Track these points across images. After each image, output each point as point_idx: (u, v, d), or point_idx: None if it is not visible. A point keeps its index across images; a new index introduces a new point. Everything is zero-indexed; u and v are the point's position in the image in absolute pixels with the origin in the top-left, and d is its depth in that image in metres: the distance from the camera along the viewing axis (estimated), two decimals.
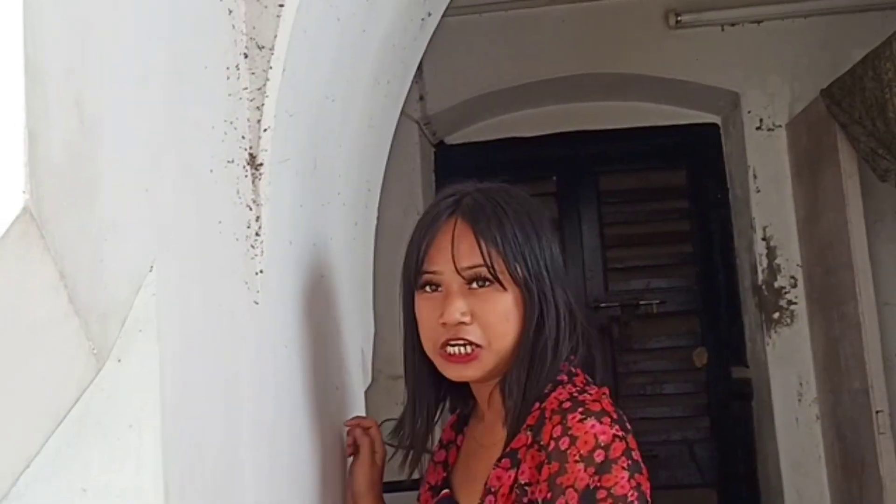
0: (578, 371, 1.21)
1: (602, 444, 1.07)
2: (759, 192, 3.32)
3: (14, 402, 0.67)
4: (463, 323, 1.16)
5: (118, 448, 0.77)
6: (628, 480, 1.07)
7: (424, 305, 1.20)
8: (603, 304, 3.59)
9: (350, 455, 1.44)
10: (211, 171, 0.98)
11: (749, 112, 3.33)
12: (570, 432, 1.08)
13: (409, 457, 1.31)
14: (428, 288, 1.20)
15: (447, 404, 1.34)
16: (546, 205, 3.68)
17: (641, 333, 3.60)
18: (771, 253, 3.30)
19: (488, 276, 1.16)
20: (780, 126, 3.30)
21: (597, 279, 3.63)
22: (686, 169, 3.62)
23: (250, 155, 1.10)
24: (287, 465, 1.19)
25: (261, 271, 1.11)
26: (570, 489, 1.06)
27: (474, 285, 1.17)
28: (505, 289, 1.16)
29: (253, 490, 1.02)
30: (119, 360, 0.77)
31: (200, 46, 1.00)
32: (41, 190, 0.62)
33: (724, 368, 3.52)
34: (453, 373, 1.19)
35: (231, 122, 1.05)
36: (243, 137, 1.09)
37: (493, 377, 1.21)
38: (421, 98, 3.61)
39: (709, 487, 3.52)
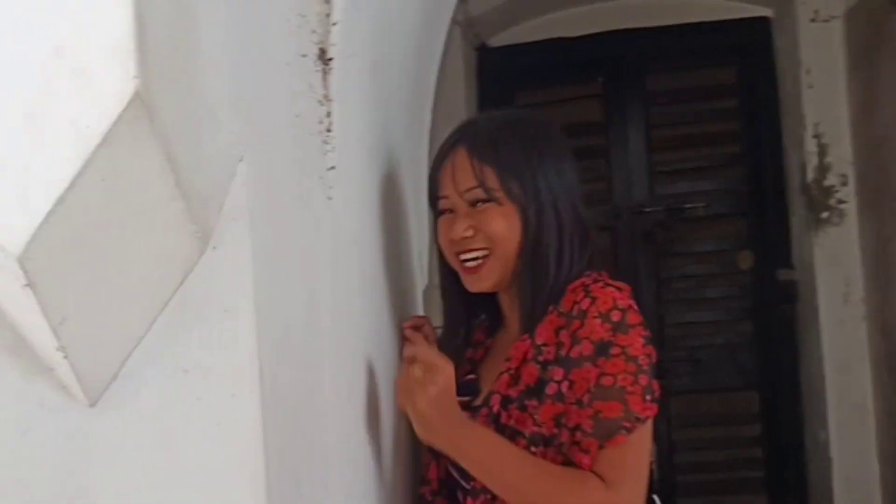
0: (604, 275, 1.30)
1: (620, 307, 1.20)
2: (811, 87, 3.24)
3: (126, 282, 0.70)
4: (467, 237, 1.30)
5: (215, 331, 0.80)
6: (642, 347, 1.19)
7: (441, 227, 1.36)
8: (647, 209, 3.56)
9: None
10: (287, 63, 0.98)
11: (804, 3, 3.23)
12: (590, 294, 1.22)
13: None
14: (445, 213, 1.35)
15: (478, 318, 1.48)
16: (592, 108, 3.63)
17: (686, 237, 3.58)
18: (822, 151, 3.24)
19: (483, 195, 1.29)
20: (836, 17, 3.18)
21: (642, 183, 3.60)
22: (736, 66, 3.53)
23: (320, 49, 1.10)
24: (358, 350, 1.23)
25: (333, 167, 1.12)
26: (586, 340, 1.18)
27: (478, 205, 1.30)
28: (501, 204, 1.28)
29: (330, 368, 1.06)
30: (214, 248, 0.79)
31: None
32: (148, 75, 0.63)
33: (770, 271, 3.50)
34: (470, 283, 1.33)
35: (303, 16, 1.05)
36: (314, 31, 1.08)
37: (506, 285, 1.33)
38: None
39: (751, 390, 3.55)
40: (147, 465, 0.78)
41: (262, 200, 0.86)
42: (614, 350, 1.17)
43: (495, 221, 1.29)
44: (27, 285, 0.65)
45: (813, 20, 3.22)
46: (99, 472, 0.77)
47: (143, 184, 0.65)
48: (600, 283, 1.24)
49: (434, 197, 1.37)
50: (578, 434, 1.17)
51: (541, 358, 1.24)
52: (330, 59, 1.11)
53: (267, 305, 0.84)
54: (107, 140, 0.63)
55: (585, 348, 1.18)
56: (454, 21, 3.51)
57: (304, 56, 1.05)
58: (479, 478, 1.21)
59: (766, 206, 3.50)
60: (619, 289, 1.23)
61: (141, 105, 0.62)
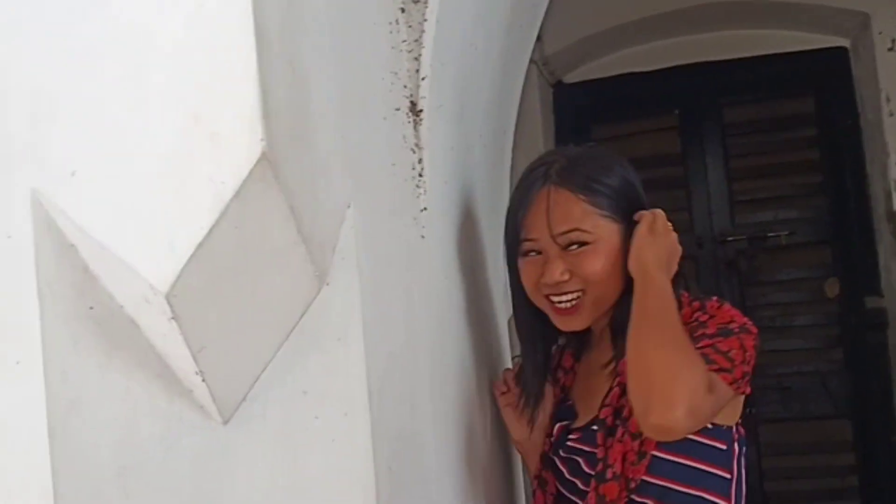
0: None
1: (737, 321, 1.23)
2: (892, 115, 3.23)
3: (255, 315, 0.81)
4: (563, 281, 1.29)
5: (330, 358, 0.91)
6: (754, 347, 1.22)
7: (528, 269, 1.34)
8: (730, 238, 3.57)
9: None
10: (384, 118, 1.09)
11: (880, 33, 3.23)
12: (707, 311, 1.25)
13: (527, 401, 1.43)
14: (530, 254, 1.33)
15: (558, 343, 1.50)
16: (669, 140, 3.67)
17: (770, 266, 3.58)
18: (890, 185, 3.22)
19: (581, 238, 1.28)
20: None
21: (723, 212, 3.61)
22: (814, 96, 3.54)
23: (411, 102, 1.22)
24: (452, 376, 1.32)
25: (425, 209, 1.22)
26: (710, 322, 1.22)
27: (572, 248, 1.29)
28: (597, 244, 1.29)
29: (428, 391, 1.15)
30: (328, 284, 0.90)
31: (365, 3, 1.11)
32: (273, 137, 0.74)
33: (857, 298, 3.47)
34: (564, 324, 1.34)
35: (395, 73, 1.16)
36: (405, 87, 1.20)
37: (600, 318, 1.35)
38: (539, 38, 3.65)
39: (843, 419, 3.50)
40: (272, 477, 0.88)
41: (367, 241, 0.96)
42: (733, 326, 1.21)
43: (596, 263, 1.28)
44: (172, 318, 0.76)
45: (890, 49, 3.22)
46: (231, 482, 0.87)
47: (269, 231, 0.76)
48: (715, 299, 1.27)
49: (516, 240, 1.35)
50: None
51: None
52: (420, 111, 1.22)
53: (373, 334, 0.95)
54: (239, 194, 0.74)
55: (709, 328, 1.22)
56: (531, 60, 3.63)
57: (398, 110, 1.16)
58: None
59: (851, 233, 3.48)
60: (733, 306, 1.27)
61: (267, 164, 0.73)
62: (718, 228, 3.60)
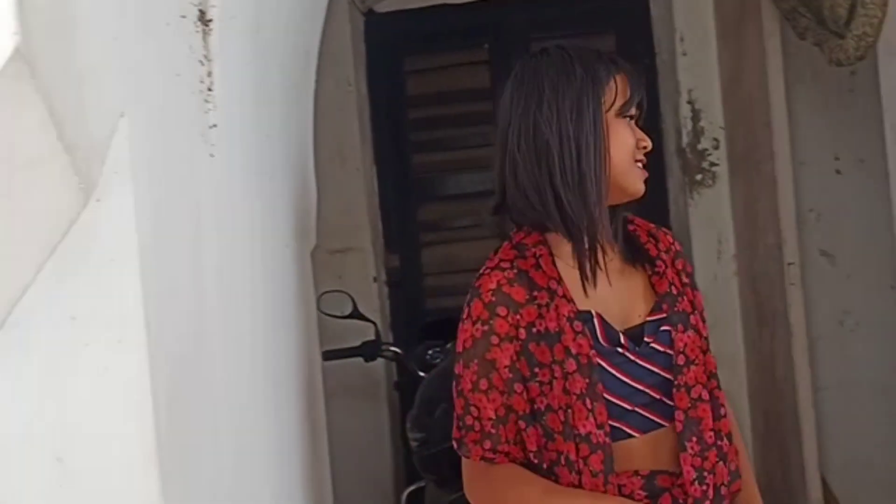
0: None
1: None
2: (685, 55, 3.40)
3: (10, 233, 0.73)
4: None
5: (102, 280, 0.84)
6: None
7: (626, 132, 1.32)
8: None
9: None
10: (167, 24, 1.01)
11: None
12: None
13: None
14: (628, 118, 1.33)
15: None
16: (479, 74, 3.70)
17: None
18: (695, 116, 3.41)
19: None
20: None
21: None
22: (615, 34, 3.66)
23: (200, 11, 1.13)
24: (245, 303, 1.27)
25: (215, 125, 1.15)
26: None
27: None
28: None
29: (217, 319, 1.10)
30: (98, 200, 0.83)
31: None
32: (29, 32, 0.66)
33: None
34: (642, 184, 1.35)
35: None
36: None
37: None
38: None
39: None
40: (38, 410, 0.81)
41: (144, 155, 0.89)
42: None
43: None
44: None
45: None
46: None
47: (25, 136, 0.68)
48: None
49: (625, 101, 1.32)
50: None
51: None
52: (210, 21, 1.14)
53: (151, 256, 0.88)
54: None
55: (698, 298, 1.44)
56: None
57: (184, 17, 1.07)
58: None
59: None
60: None
61: (22, 60, 0.65)
62: None
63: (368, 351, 2.68)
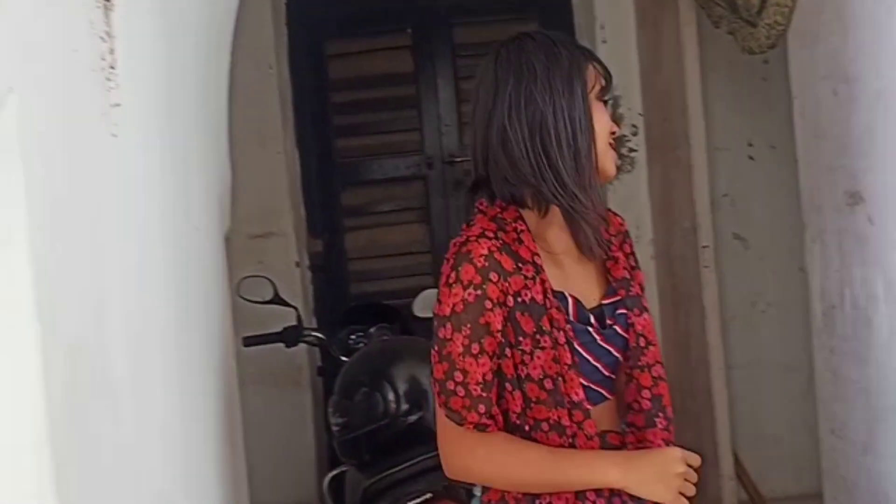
0: None
1: None
2: (605, 42, 3.44)
3: None
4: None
5: None
6: None
7: (604, 114, 1.38)
8: (458, 159, 3.67)
9: None
10: None
11: None
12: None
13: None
14: (606, 102, 1.40)
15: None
16: (402, 58, 3.68)
17: None
18: (615, 103, 3.46)
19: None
20: None
21: (452, 134, 3.70)
22: (538, 21, 3.69)
23: None
24: (149, 287, 1.24)
25: (118, 104, 1.12)
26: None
27: None
28: None
29: (120, 302, 1.07)
30: None
31: None
32: None
33: None
34: (615, 167, 1.39)
35: None
36: None
37: None
38: None
39: None
40: None
41: (36, 132, 0.86)
42: None
43: None
44: None
45: None
46: None
47: None
48: None
49: (606, 83, 1.39)
50: None
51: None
52: None
53: (44, 239, 0.85)
54: None
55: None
56: None
57: None
58: None
59: None
60: None
61: None
62: (448, 149, 3.69)
63: (290, 336, 2.65)
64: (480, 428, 1.28)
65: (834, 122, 2.04)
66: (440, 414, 1.31)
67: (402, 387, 2.22)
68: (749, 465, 3.21)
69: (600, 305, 1.37)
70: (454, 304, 1.28)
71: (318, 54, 3.65)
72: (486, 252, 1.28)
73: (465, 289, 1.27)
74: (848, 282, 2.01)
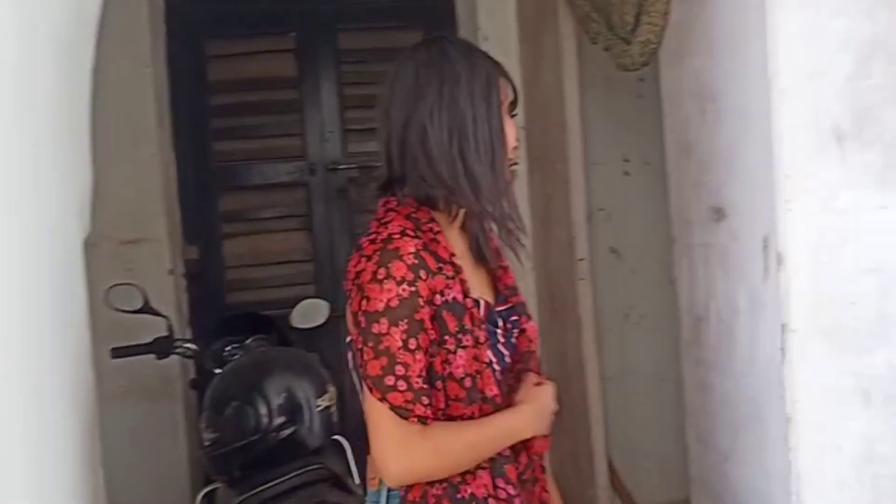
0: None
1: None
2: None
3: None
4: None
5: None
6: None
7: (513, 127, 1.45)
8: (341, 166, 3.63)
9: None
10: None
11: None
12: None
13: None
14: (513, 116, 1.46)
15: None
16: (285, 62, 3.62)
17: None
18: None
19: None
20: None
21: (335, 140, 3.66)
22: (423, 30, 3.68)
23: None
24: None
25: None
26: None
27: None
28: None
29: None
30: None
31: None
32: None
33: None
34: (513, 180, 1.47)
35: None
36: None
37: None
38: None
39: None
40: None
41: None
42: None
43: None
44: None
45: None
46: None
47: None
48: None
49: (515, 98, 1.46)
50: None
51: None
52: None
53: None
54: None
55: None
56: None
57: None
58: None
59: None
60: None
61: None
62: (331, 156, 3.64)
63: (161, 348, 2.55)
64: (423, 421, 1.29)
65: (700, 139, 2.10)
66: (376, 415, 1.29)
67: (275, 400, 2.17)
68: (623, 473, 3.28)
69: (498, 310, 1.44)
70: (388, 300, 1.27)
71: (197, 54, 3.55)
72: (413, 250, 1.29)
73: (398, 284, 1.27)
74: (713, 295, 2.08)
